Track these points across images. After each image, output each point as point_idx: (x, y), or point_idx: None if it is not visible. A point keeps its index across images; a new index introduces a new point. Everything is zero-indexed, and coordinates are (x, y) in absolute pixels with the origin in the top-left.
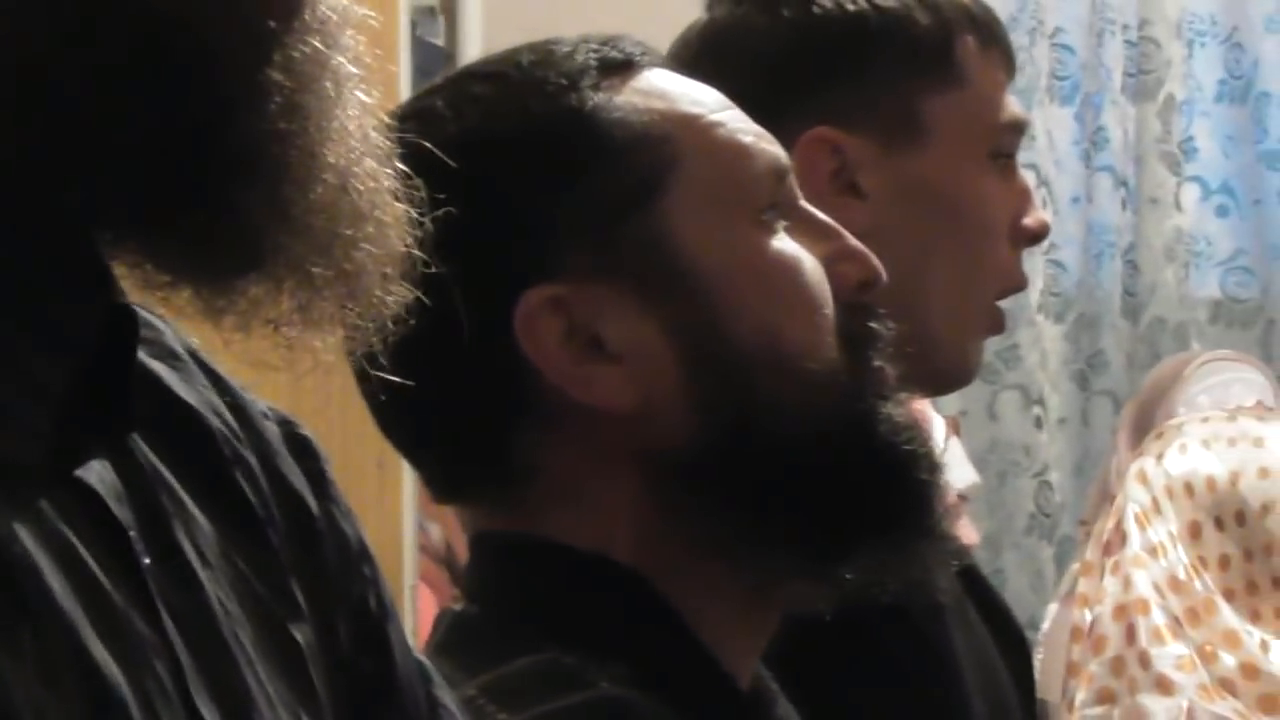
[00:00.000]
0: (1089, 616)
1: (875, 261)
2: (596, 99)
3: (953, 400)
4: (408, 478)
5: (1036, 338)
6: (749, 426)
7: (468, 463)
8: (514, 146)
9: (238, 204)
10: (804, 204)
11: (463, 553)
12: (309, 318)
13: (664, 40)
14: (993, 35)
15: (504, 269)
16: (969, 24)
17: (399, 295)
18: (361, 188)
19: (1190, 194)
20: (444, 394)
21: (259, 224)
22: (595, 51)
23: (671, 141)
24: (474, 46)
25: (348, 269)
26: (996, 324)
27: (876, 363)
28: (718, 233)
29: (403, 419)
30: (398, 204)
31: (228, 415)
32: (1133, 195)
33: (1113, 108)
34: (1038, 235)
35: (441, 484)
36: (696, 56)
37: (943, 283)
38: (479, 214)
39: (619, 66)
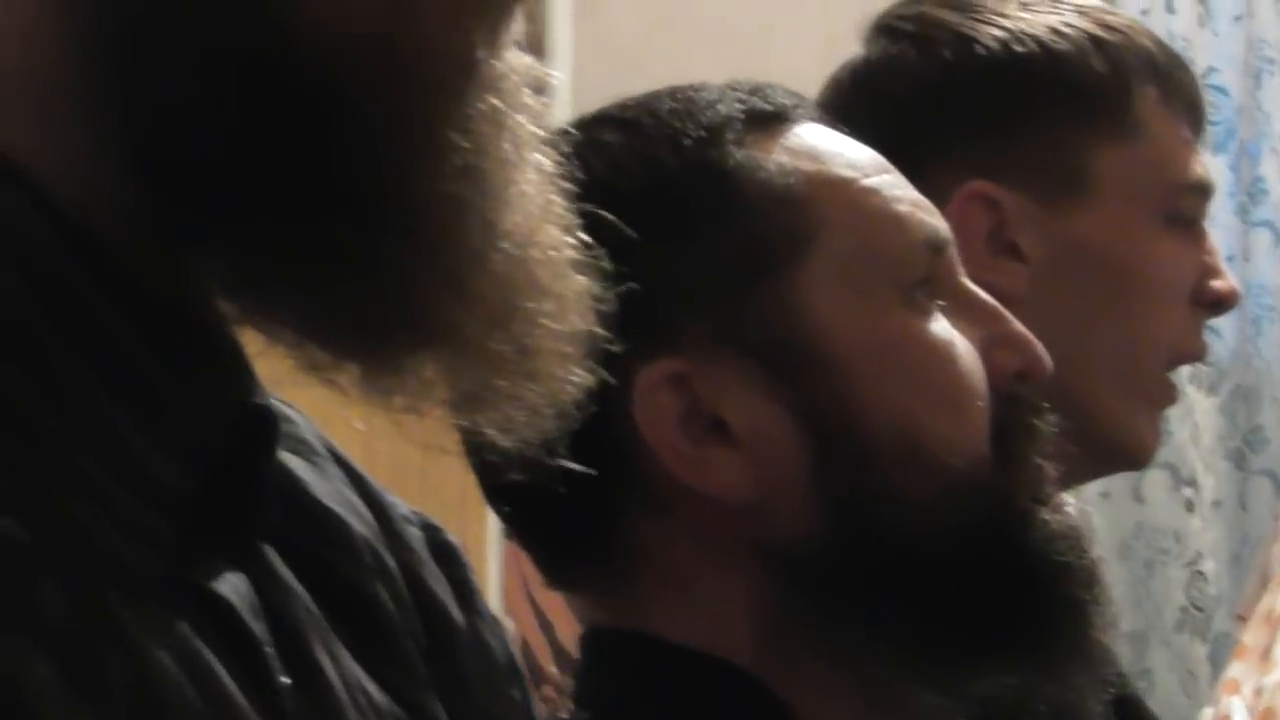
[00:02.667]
0: (1237, 704)
1: (1039, 349)
2: (739, 155)
3: (1095, 481)
4: (492, 570)
5: (1188, 411)
6: (879, 523)
7: (576, 546)
8: (640, 202)
9: (408, 274)
10: (963, 281)
11: (539, 649)
12: (483, 400)
13: (764, 77)
14: (1178, 86)
15: (622, 338)
16: (1151, 73)
17: (580, 376)
18: (541, 258)
19: None
20: (556, 470)
21: (430, 296)
22: (742, 102)
23: (817, 206)
24: (563, 83)
25: (527, 346)
26: (1168, 396)
27: (1033, 461)
28: (859, 309)
29: (511, 494)
30: (579, 277)
31: (369, 518)
32: None
33: (1272, 156)
34: (1224, 301)
35: (551, 568)
36: (847, 97)
37: (1109, 352)
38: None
39: (768, 119)
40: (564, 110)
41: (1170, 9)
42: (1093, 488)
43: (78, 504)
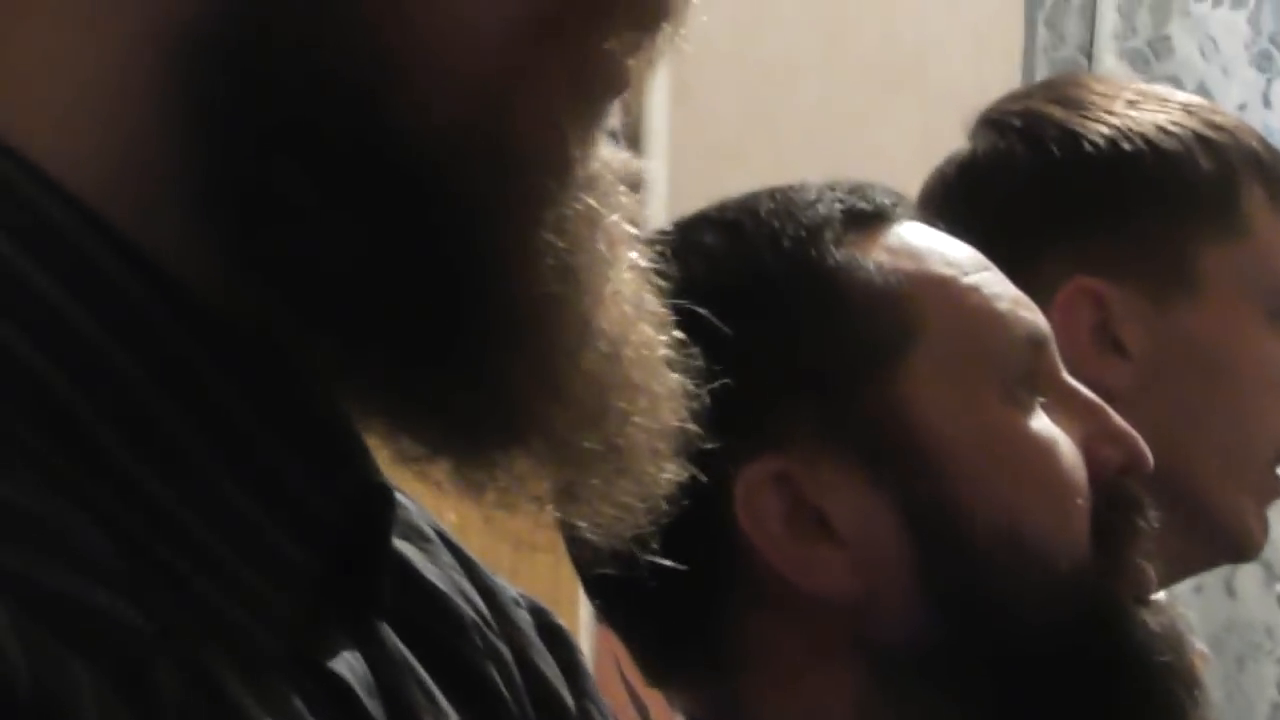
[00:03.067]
0: None
1: (1141, 445)
2: (839, 255)
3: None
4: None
5: None
6: (983, 622)
7: (677, 643)
8: (743, 301)
9: (502, 372)
10: (1065, 377)
11: None
12: (576, 496)
13: (860, 167)
14: None
15: (724, 436)
16: (1257, 171)
17: (671, 473)
18: (634, 357)
19: None
20: (654, 566)
21: (525, 394)
22: (842, 201)
23: (918, 305)
24: (659, 174)
25: (619, 444)
26: (1275, 489)
27: (1134, 560)
28: (962, 406)
29: (609, 587)
30: (672, 374)
31: (479, 601)
32: None
33: None
34: None
35: (650, 662)
36: (953, 190)
37: (1216, 446)
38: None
39: (867, 218)
40: (661, 201)
41: (1267, 104)
42: (1186, 582)
43: (200, 581)
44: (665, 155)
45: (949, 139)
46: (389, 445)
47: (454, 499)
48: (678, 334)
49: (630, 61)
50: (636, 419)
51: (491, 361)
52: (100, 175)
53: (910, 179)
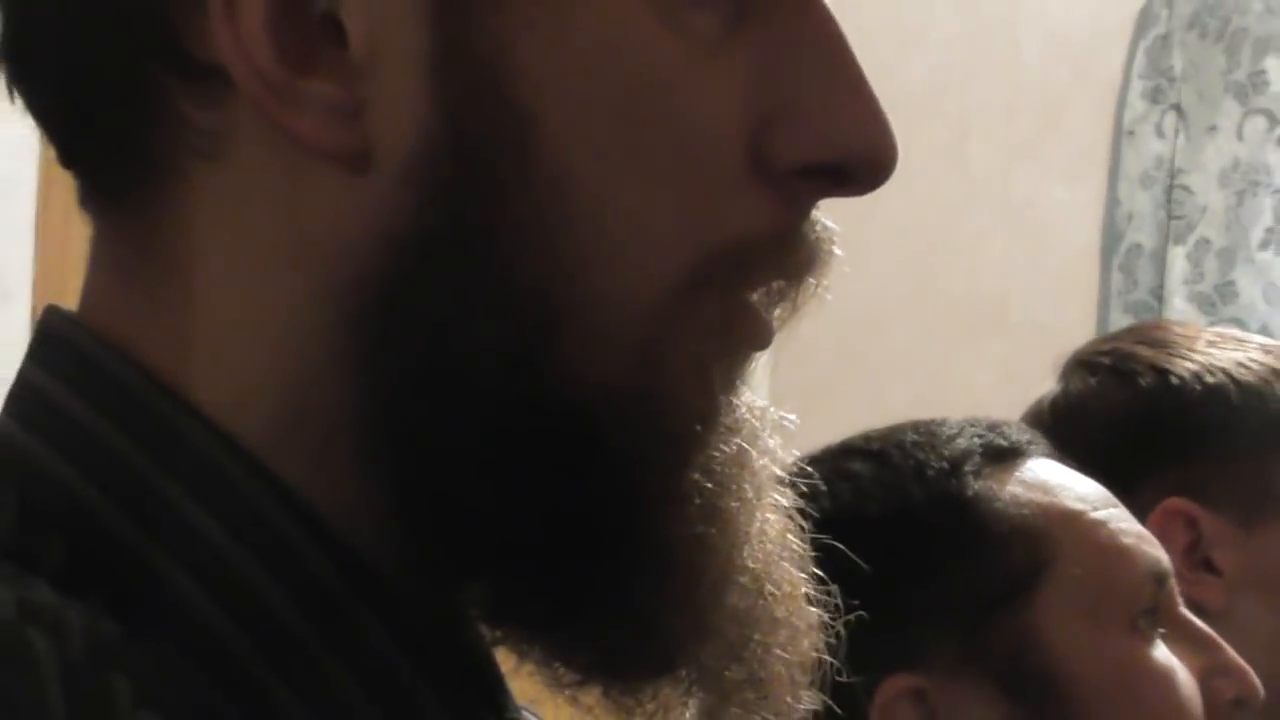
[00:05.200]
0: None
1: (1253, 679)
2: (978, 487)
3: None
4: None
5: None
6: None
7: None
8: (888, 528)
9: (652, 608)
10: (1182, 611)
11: None
12: None
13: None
14: None
15: (865, 652)
16: None
17: (808, 702)
18: (777, 593)
19: None
20: None
21: (673, 628)
22: (981, 437)
23: (1050, 538)
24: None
25: (760, 675)
26: None
27: None
28: (1090, 635)
29: None
30: (811, 609)
31: None
32: None
33: None
34: None
35: None
36: (1048, 427)
37: None
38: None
39: (1004, 454)
40: None
41: None
42: None
43: None
44: (766, 392)
45: (1031, 377)
46: (543, 672)
47: None
48: (817, 570)
49: (775, 313)
50: (777, 651)
51: (643, 598)
52: (273, 427)
53: (994, 414)
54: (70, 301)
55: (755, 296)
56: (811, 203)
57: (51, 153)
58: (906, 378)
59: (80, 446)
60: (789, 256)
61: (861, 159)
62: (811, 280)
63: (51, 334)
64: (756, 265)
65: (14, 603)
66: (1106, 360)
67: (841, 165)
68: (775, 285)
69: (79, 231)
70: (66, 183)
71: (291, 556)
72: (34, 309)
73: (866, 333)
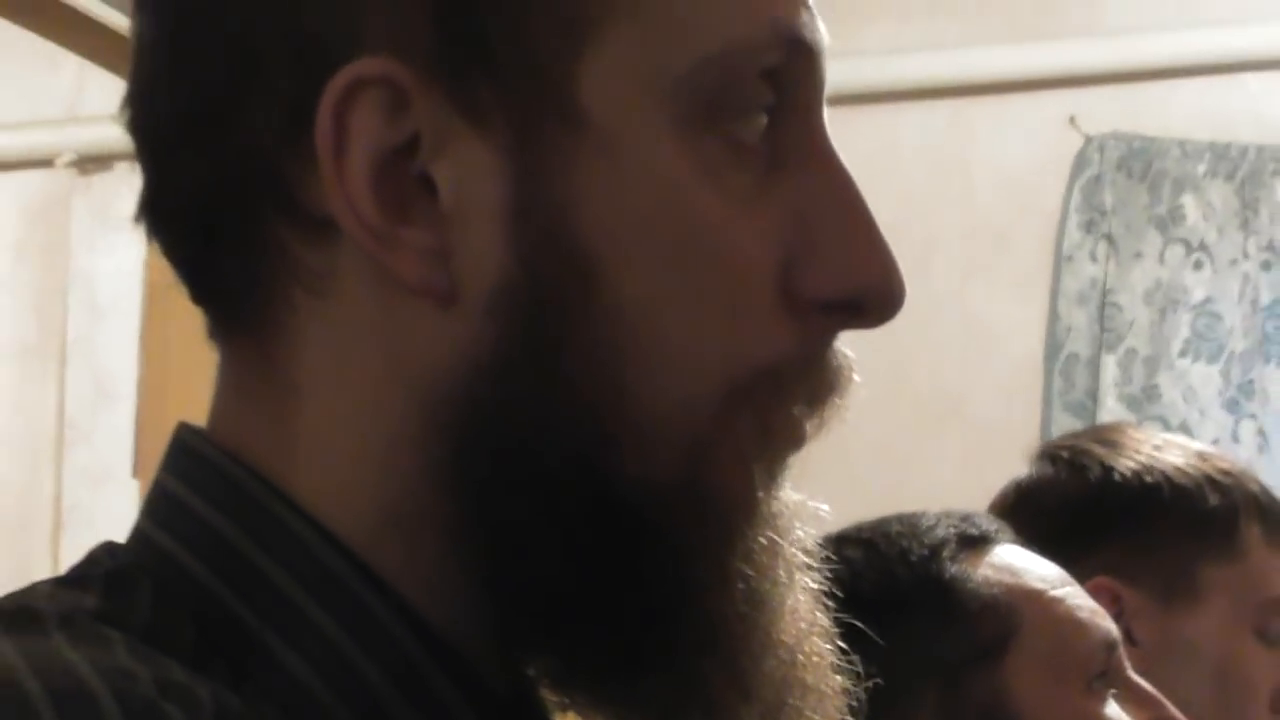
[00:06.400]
0: None
1: None
2: (954, 569)
3: None
4: None
5: None
6: None
7: None
8: (879, 605)
9: (702, 676)
10: (1130, 673)
11: None
12: None
13: (913, 491)
14: (1277, 525)
15: (863, 710)
16: (1256, 511)
17: None
18: (808, 663)
19: None
20: None
21: (718, 692)
22: (955, 527)
23: (1016, 612)
24: None
25: None
26: None
27: None
28: (1052, 695)
29: None
30: (836, 677)
31: None
32: None
33: None
34: None
35: None
36: (1014, 506)
37: None
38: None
39: (975, 541)
40: None
41: (1236, 439)
42: None
43: None
44: None
45: (985, 465)
46: None
47: None
48: (840, 643)
49: (807, 422)
50: (809, 713)
51: (693, 668)
52: (370, 525)
53: (953, 500)
54: (168, 404)
55: (792, 409)
56: (833, 333)
57: (155, 276)
58: (880, 464)
59: (206, 543)
60: (815, 378)
61: (875, 295)
62: (836, 400)
63: (182, 446)
64: (787, 385)
65: (153, 681)
66: (1065, 454)
67: (858, 300)
68: (807, 403)
69: (176, 346)
70: (167, 303)
71: (384, 636)
72: (137, 409)
73: (845, 427)
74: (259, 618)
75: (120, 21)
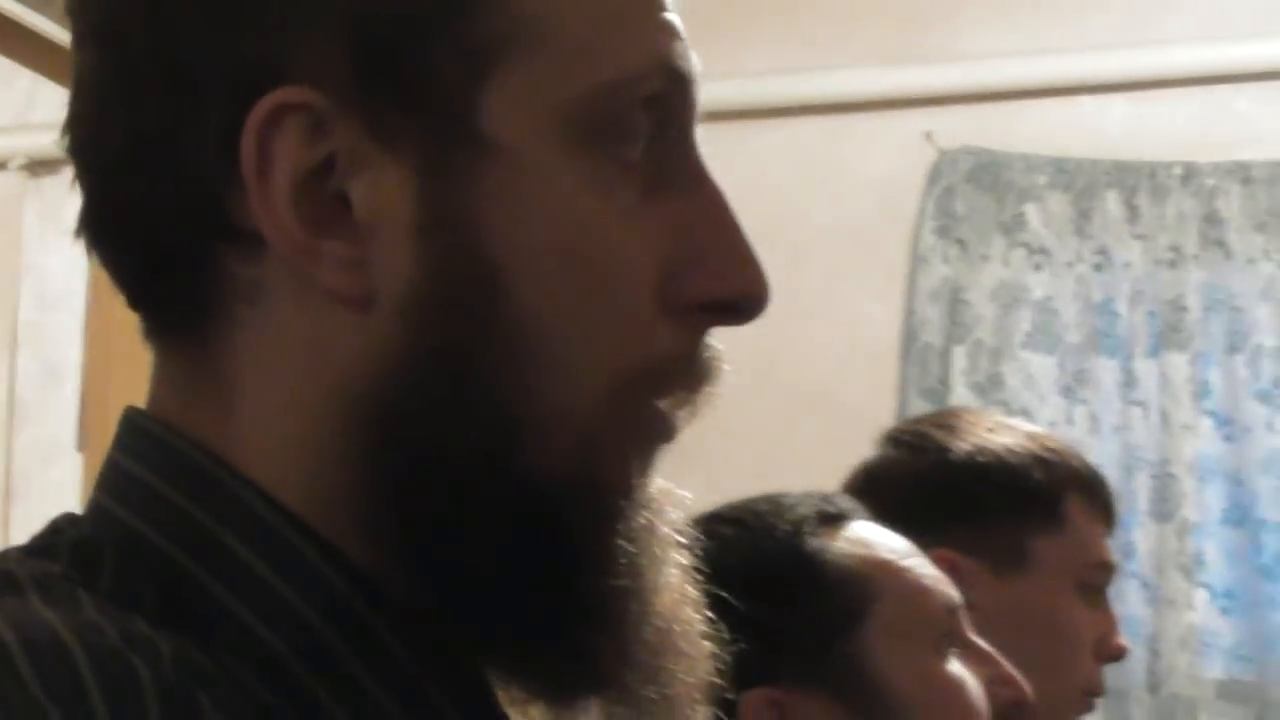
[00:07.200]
0: None
1: (1025, 686)
2: (814, 543)
3: None
4: None
5: None
6: None
7: None
8: (747, 577)
9: (589, 644)
10: (970, 634)
11: None
12: None
13: (785, 469)
14: (1097, 495)
15: (735, 673)
16: (1078, 484)
17: (704, 714)
18: (680, 630)
19: (1201, 596)
20: None
21: (603, 659)
22: (816, 505)
23: (871, 580)
24: None
25: (668, 694)
26: (1086, 707)
27: None
28: (905, 656)
29: None
30: (705, 643)
31: None
32: (1154, 596)
33: (1139, 527)
34: (1116, 656)
35: None
36: (863, 486)
37: (1039, 683)
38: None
39: (833, 518)
40: None
41: (1070, 422)
42: None
43: None
44: None
45: (847, 448)
46: (500, 690)
47: None
48: (709, 613)
49: (679, 414)
50: (681, 676)
51: (583, 636)
52: (307, 497)
53: (820, 479)
54: (110, 385)
55: (665, 403)
56: (705, 331)
57: (99, 272)
58: (750, 448)
59: (159, 512)
60: (690, 372)
61: (745, 296)
62: (708, 390)
63: (132, 426)
64: (666, 379)
65: (119, 634)
66: (908, 437)
67: (732, 301)
68: (681, 395)
69: (117, 334)
70: (109, 296)
71: (329, 591)
72: (81, 390)
73: (719, 414)
74: (212, 576)
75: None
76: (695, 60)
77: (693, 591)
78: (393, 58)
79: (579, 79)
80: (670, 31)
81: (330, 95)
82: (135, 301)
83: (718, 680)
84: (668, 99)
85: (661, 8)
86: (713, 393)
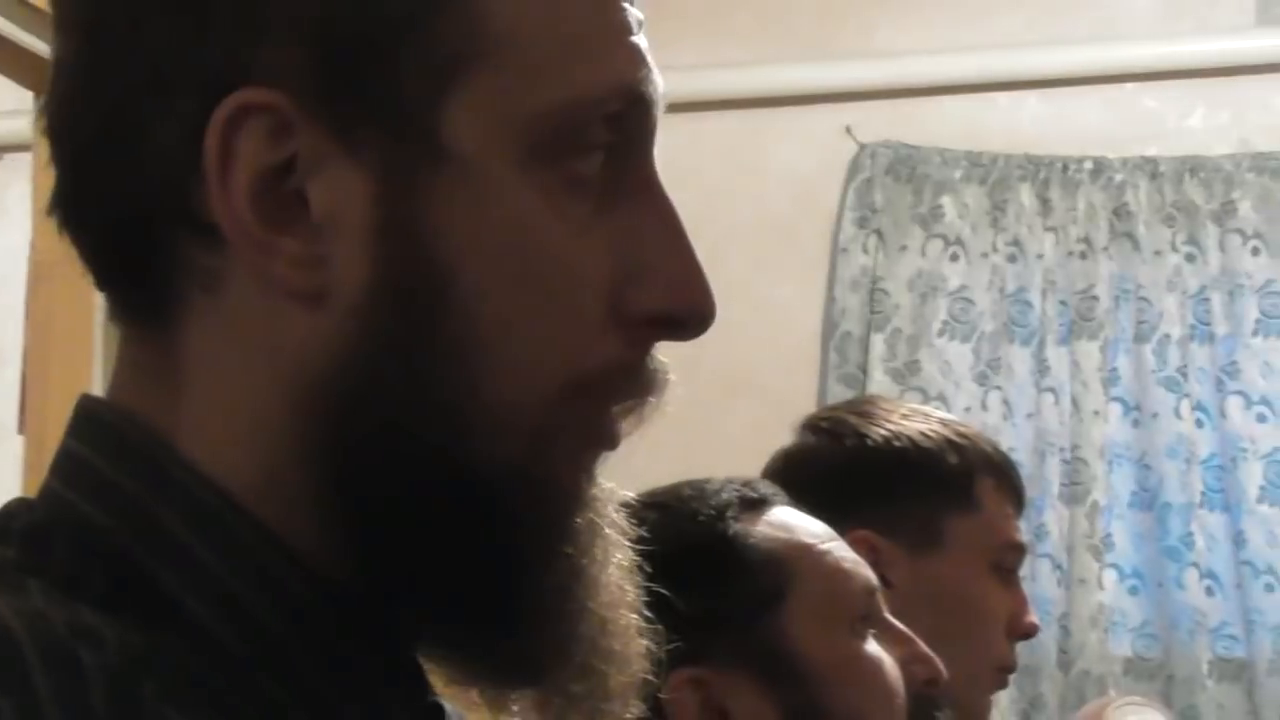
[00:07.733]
0: None
1: (939, 665)
2: (736, 528)
3: None
4: None
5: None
6: None
7: None
8: (671, 560)
9: (527, 638)
10: (887, 615)
11: None
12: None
13: (713, 454)
14: (1007, 478)
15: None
16: (989, 467)
17: (635, 710)
18: (615, 630)
19: (1110, 577)
20: None
21: (539, 653)
22: (738, 491)
23: (791, 563)
24: None
25: (599, 689)
26: (1000, 683)
27: None
28: (825, 636)
29: None
30: (641, 640)
31: None
32: (1066, 577)
33: (1051, 510)
34: (1028, 633)
35: None
36: (783, 472)
37: (954, 660)
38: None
39: (755, 503)
40: None
41: (984, 408)
42: None
43: None
44: None
45: (770, 431)
46: (441, 674)
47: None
48: (646, 611)
49: (625, 421)
50: (614, 673)
51: (522, 630)
52: (252, 492)
53: (744, 463)
54: (50, 369)
55: (612, 410)
56: (653, 343)
57: (39, 256)
58: (675, 434)
59: (111, 498)
60: (636, 381)
61: (690, 313)
62: (652, 400)
63: (86, 414)
64: (613, 387)
65: (65, 623)
66: (825, 424)
67: (678, 317)
68: (628, 402)
69: (57, 318)
70: (50, 281)
71: (272, 578)
72: (22, 373)
73: None
74: (156, 560)
75: (14, 33)
76: (659, 82)
77: (632, 592)
78: (357, 66)
79: (540, 96)
80: (635, 56)
81: (295, 98)
82: (102, 283)
83: (650, 678)
84: (628, 119)
85: (629, 31)
86: (657, 403)
